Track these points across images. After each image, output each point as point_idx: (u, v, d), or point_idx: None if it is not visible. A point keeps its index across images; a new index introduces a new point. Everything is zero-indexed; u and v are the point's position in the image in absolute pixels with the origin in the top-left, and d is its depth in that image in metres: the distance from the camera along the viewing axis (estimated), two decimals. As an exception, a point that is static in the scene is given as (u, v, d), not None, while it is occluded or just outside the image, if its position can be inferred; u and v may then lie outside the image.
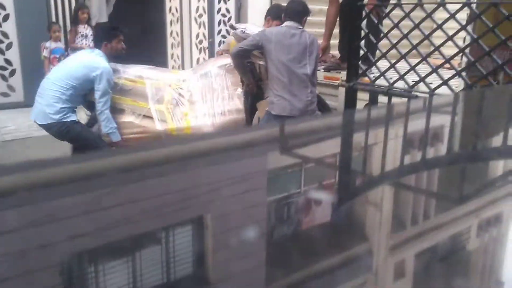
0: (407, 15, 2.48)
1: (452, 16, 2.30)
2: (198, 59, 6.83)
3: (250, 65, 3.70)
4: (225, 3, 6.74)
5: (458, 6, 2.30)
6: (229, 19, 6.80)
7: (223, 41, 6.18)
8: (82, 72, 3.34)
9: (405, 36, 2.53)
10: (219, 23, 6.73)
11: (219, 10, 6.68)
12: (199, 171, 0.73)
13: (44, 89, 3.37)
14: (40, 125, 3.40)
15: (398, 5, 2.50)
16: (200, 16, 6.63)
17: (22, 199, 0.55)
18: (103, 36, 3.58)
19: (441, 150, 1.03)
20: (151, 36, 9.47)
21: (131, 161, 0.73)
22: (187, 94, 3.63)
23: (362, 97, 3.15)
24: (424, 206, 0.73)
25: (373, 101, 3.14)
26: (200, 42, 6.75)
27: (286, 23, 3.38)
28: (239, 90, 3.69)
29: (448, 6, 2.30)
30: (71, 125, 3.37)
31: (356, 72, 2.77)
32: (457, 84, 3.33)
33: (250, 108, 3.88)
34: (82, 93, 3.42)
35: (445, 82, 2.33)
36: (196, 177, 0.70)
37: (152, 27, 8.95)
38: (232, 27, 3.95)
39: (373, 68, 2.80)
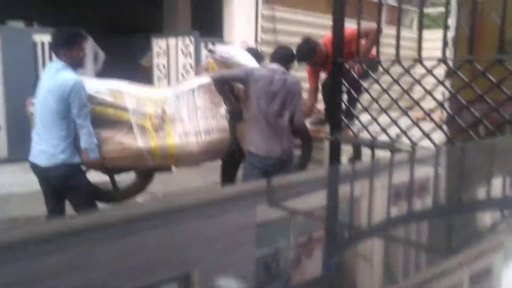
0: (386, 71, 2.57)
1: (429, 71, 2.39)
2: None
3: (229, 86, 3.66)
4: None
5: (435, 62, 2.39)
6: None
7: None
8: (57, 94, 3.03)
9: (384, 91, 2.61)
10: (206, 57, 6.85)
11: (206, 45, 6.82)
12: (184, 226, 0.72)
13: (40, 131, 3.12)
14: (41, 168, 3.09)
15: (377, 62, 2.60)
16: (187, 72, 6.77)
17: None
18: (63, 43, 3.12)
19: (425, 202, 1.04)
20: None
21: (117, 217, 0.72)
22: (170, 111, 3.53)
23: (347, 150, 3.20)
24: (414, 259, 0.72)
25: (357, 153, 3.19)
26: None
27: (273, 66, 3.46)
28: (223, 110, 3.66)
29: (426, 62, 2.40)
30: (76, 169, 3.15)
31: (338, 125, 2.82)
32: (439, 137, 3.41)
33: (232, 128, 3.81)
34: (71, 117, 3.12)
35: (427, 135, 2.39)
36: (181, 233, 0.70)
37: (140, 84, 9.08)
38: (210, 51, 3.92)
39: (357, 121, 2.87)
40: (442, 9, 9.00)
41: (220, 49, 3.85)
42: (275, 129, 3.34)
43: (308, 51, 4.15)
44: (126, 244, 0.62)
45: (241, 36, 6.73)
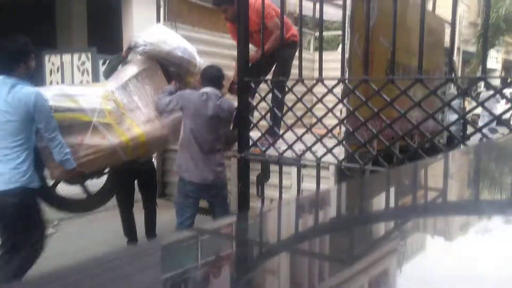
0: (290, 90, 2.66)
1: (330, 90, 2.52)
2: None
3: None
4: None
5: (335, 81, 2.53)
6: None
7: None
8: (19, 112, 2.75)
9: (289, 109, 2.70)
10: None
11: (105, 61, 6.56)
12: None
13: None
14: None
15: (283, 80, 2.68)
16: (83, 63, 6.43)
17: None
18: (20, 54, 2.87)
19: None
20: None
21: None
22: (124, 103, 3.45)
23: (254, 167, 3.23)
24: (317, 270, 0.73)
25: (265, 170, 3.23)
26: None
27: (206, 89, 3.34)
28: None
29: (327, 82, 2.52)
30: (34, 195, 2.88)
31: (247, 143, 2.84)
32: (339, 152, 3.59)
33: None
34: (31, 135, 2.88)
35: (329, 151, 2.49)
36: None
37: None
38: (130, 48, 3.76)
39: (263, 138, 2.92)
40: (334, 33, 9.65)
41: (141, 41, 3.66)
42: (207, 154, 3.27)
43: None
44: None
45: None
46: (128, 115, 3.44)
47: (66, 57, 6.62)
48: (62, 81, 6.67)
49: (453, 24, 2.24)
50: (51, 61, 6.82)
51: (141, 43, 3.64)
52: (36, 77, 7.34)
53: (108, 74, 3.95)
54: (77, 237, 5.04)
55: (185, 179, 3.34)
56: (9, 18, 9.08)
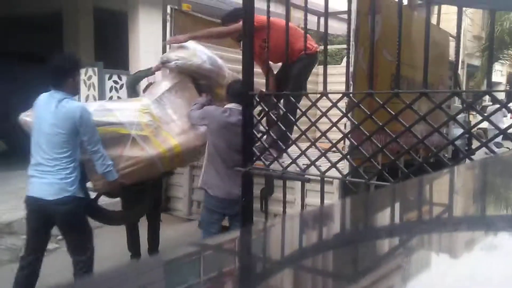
0: (295, 104, 2.66)
1: (334, 104, 2.51)
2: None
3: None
4: (117, 91, 6.70)
5: (339, 95, 2.52)
6: (121, 86, 6.73)
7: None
8: (67, 125, 2.94)
9: (294, 123, 2.70)
10: (111, 89, 6.63)
11: (111, 98, 6.61)
12: None
13: (43, 164, 2.97)
14: (44, 202, 2.92)
15: (288, 94, 2.68)
16: (90, 78, 6.47)
17: None
18: (70, 71, 3.04)
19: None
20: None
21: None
22: (159, 116, 3.59)
23: (258, 181, 3.22)
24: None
25: (269, 185, 3.22)
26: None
27: (230, 105, 3.40)
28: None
29: (331, 96, 2.52)
30: (81, 204, 3.06)
31: (251, 157, 2.84)
32: (343, 166, 3.58)
33: None
34: (77, 147, 3.06)
35: (334, 165, 2.48)
36: None
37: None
38: (164, 62, 3.86)
39: (267, 153, 2.91)
40: (338, 46, 9.68)
41: (173, 56, 3.80)
42: (231, 169, 3.26)
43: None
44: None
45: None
46: (164, 127, 3.58)
47: (73, 72, 6.68)
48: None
49: (458, 38, 2.24)
50: (58, 76, 6.88)
51: (173, 58, 3.77)
52: (44, 91, 7.40)
53: (131, 83, 4.18)
54: (81, 251, 5.03)
55: (210, 194, 3.39)
56: (18, 33, 9.21)
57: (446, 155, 5.62)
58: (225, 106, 3.45)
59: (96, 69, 6.41)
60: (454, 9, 2.49)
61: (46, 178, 2.96)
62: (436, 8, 5.93)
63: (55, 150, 2.96)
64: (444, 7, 5.86)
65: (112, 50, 8.81)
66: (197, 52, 3.87)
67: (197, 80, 3.89)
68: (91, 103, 3.61)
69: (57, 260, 4.84)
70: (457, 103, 7.18)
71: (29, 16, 8.72)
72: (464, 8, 2.54)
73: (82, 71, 6.53)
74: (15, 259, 4.76)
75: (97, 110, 3.35)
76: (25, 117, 3.39)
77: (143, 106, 3.58)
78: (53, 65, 3.05)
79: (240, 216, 3.39)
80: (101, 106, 3.53)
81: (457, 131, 7.09)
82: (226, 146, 3.32)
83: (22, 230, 5.39)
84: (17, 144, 9.16)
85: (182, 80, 3.83)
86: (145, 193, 4.00)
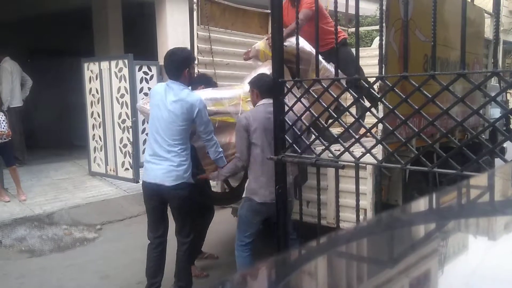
0: (326, 90, 2.61)
1: (368, 88, 2.46)
2: (121, 138, 6.68)
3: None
4: (147, 82, 6.78)
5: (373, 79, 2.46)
6: (151, 77, 6.82)
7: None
8: (185, 115, 3.19)
9: (326, 109, 2.65)
10: (141, 81, 6.71)
11: (142, 89, 6.69)
12: None
13: (160, 151, 3.22)
14: (164, 188, 3.21)
15: (317, 80, 2.64)
16: (122, 96, 6.57)
17: None
18: (184, 63, 3.29)
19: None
20: (71, 118, 9.24)
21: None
22: None
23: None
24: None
25: (302, 172, 3.20)
26: (123, 121, 6.65)
27: (264, 101, 3.32)
28: None
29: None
30: (193, 189, 3.35)
31: (283, 145, 2.82)
32: (377, 151, 3.52)
33: None
34: (188, 135, 3.32)
35: (369, 151, 2.44)
36: None
37: (72, 109, 8.76)
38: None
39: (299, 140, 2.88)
40: (367, 28, 9.47)
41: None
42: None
43: None
44: None
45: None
46: None
47: (104, 64, 6.77)
48: (101, 88, 6.84)
49: (497, 14, 2.14)
50: (90, 69, 7.00)
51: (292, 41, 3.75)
52: (76, 85, 7.58)
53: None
54: (117, 241, 5.18)
55: (257, 201, 3.31)
56: (49, 28, 9.42)
57: (483, 136, 5.43)
58: (258, 104, 3.38)
59: (126, 61, 6.48)
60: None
61: (162, 164, 3.21)
62: (470, -16, 5.69)
63: (172, 137, 3.19)
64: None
65: (141, 42, 8.90)
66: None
67: (294, 64, 3.82)
68: (201, 92, 3.65)
69: (97, 248, 5.02)
70: (493, 82, 6.92)
71: (59, 13, 8.90)
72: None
73: (113, 63, 6.63)
74: (57, 249, 4.95)
75: (208, 99, 3.51)
76: (143, 104, 3.65)
77: (245, 94, 3.70)
78: (171, 58, 3.30)
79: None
80: (211, 95, 3.66)
81: (494, 111, 6.84)
82: (270, 144, 3.21)
83: (63, 221, 5.60)
84: (52, 137, 9.48)
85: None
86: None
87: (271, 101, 3.11)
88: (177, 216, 3.44)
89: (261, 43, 4.09)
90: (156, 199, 3.35)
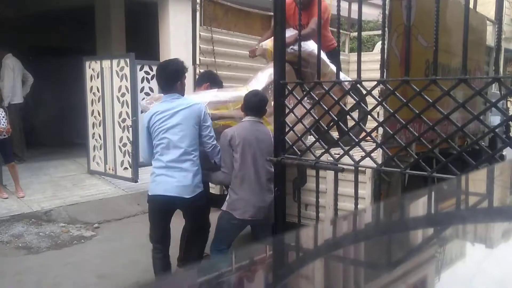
0: (327, 92, 2.62)
1: (369, 92, 2.46)
2: (121, 138, 6.67)
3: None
4: (148, 82, 6.78)
5: (374, 83, 2.47)
6: (152, 76, 6.80)
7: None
8: (193, 122, 3.18)
9: (326, 112, 2.65)
10: (142, 80, 6.69)
11: (143, 89, 6.68)
12: None
13: (172, 162, 3.15)
14: (179, 200, 3.15)
15: (318, 83, 2.64)
16: (123, 95, 6.57)
17: None
18: (176, 75, 3.28)
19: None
20: (71, 116, 9.24)
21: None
22: None
23: (290, 171, 3.21)
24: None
25: (301, 174, 3.20)
26: (123, 120, 6.64)
27: (248, 118, 3.35)
28: None
29: (365, 83, 2.47)
30: (205, 197, 3.39)
31: (283, 147, 2.82)
32: (376, 155, 3.52)
33: None
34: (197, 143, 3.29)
35: (368, 155, 2.44)
36: None
37: (73, 107, 8.76)
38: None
39: (299, 142, 2.88)
40: (369, 33, 9.49)
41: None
42: (259, 184, 3.26)
43: None
44: None
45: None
46: (269, 119, 3.57)
47: (106, 63, 6.77)
48: (102, 87, 6.84)
49: (499, 21, 2.15)
50: (91, 67, 7.00)
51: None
52: (77, 83, 7.58)
53: None
54: (114, 240, 5.17)
55: (236, 216, 3.29)
56: (52, 26, 9.44)
57: (483, 143, 5.43)
58: (243, 119, 3.39)
59: (128, 60, 6.47)
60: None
61: (176, 177, 3.14)
62: (473, -9, 5.71)
63: (190, 143, 3.16)
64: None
65: (143, 41, 8.91)
66: (308, 41, 3.85)
67: (303, 68, 3.80)
68: (205, 93, 3.65)
69: (94, 246, 5.00)
70: (494, 89, 6.93)
71: (62, 11, 8.91)
72: (505, -10, 2.43)
73: (115, 62, 6.63)
74: (54, 247, 4.94)
75: (212, 102, 3.49)
76: (147, 104, 3.64)
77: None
78: (163, 72, 3.30)
79: (265, 225, 3.36)
80: (216, 97, 3.64)
81: (494, 118, 6.85)
82: (259, 154, 3.25)
83: (60, 218, 5.59)
84: (52, 134, 9.48)
85: (290, 69, 3.70)
86: None
87: (255, 119, 3.28)
88: (193, 222, 3.59)
89: (268, 42, 4.07)
90: (167, 211, 3.31)
